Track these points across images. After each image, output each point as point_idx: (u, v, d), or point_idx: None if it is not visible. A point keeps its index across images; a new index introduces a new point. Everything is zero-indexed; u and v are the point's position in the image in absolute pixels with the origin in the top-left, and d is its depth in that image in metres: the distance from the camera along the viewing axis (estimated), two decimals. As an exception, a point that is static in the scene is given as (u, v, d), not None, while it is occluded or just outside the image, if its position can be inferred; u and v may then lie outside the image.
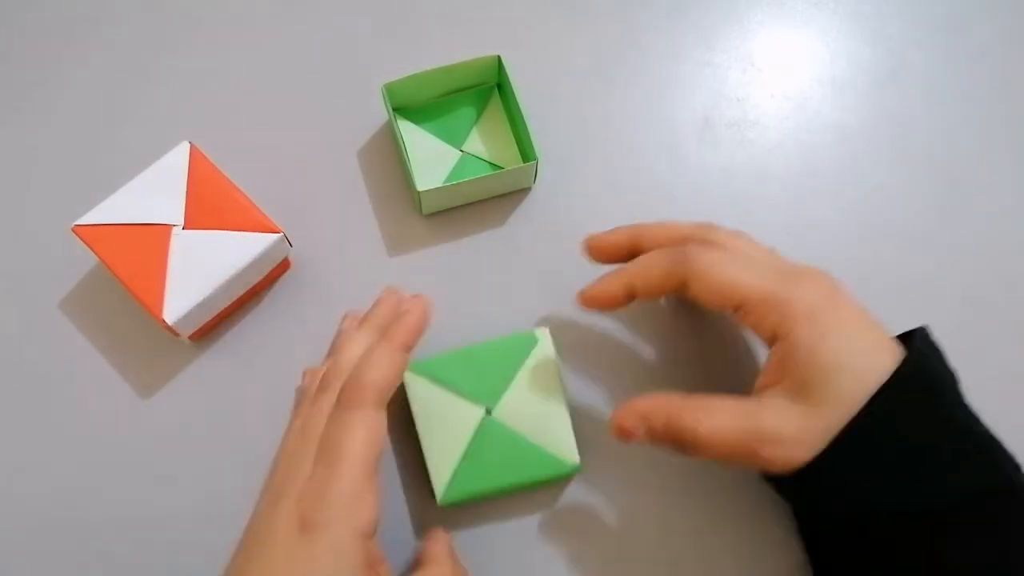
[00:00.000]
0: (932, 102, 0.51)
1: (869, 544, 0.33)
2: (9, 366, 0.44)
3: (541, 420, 0.39)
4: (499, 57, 0.47)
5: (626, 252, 0.40)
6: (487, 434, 0.39)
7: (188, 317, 0.41)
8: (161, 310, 0.40)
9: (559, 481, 0.41)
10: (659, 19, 0.53)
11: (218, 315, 0.43)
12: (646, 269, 0.37)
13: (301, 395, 0.40)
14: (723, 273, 0.34)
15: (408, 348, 0.36)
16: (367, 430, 0.33)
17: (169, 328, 0.40)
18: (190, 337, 0.43)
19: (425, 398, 0.40)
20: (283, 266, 0.45)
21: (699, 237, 0.38)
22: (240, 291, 0.43)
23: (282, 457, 0.35)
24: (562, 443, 0.39)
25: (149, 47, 0.52)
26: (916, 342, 0.33)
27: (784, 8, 0.54)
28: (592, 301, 0.39)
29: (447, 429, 0.39)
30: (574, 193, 0.48)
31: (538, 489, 0.41)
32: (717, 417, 0.33)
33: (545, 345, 0.41)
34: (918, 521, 0.32)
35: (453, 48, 0.48)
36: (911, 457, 0.31)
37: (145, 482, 0.42)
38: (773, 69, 0.52)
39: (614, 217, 0.48)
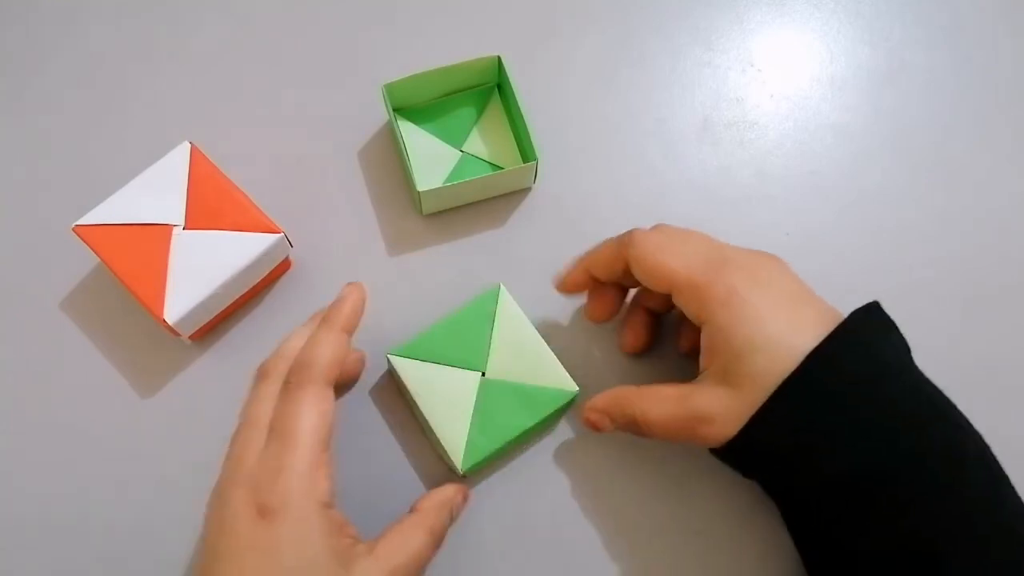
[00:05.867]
0: (932, 102, 0.51)
1: (815, 512, 0.35)
2: (9, 366, 0.44)
3: (530, 363, 0.41)
4: (499, 57, 0.47)
5: (589, 282, 0.42)
6: (488, 394, 0.40)
7: (188, 317, 0.41)
8: (162, 310, 0.40)
9: (562, 413, 0.42)
10: (659, 19, 0.53)
11: (218, 315, 0.43)
12: (597, 252, 0.40)
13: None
14: (656, 258, 0.37)
15: (348, 331, 0.38)
16: (317, 407, 0.34)
17: (169, 328, 0.40)
18: (190, 337, 0.43)
19: (419, 377, 0.41)
20: (283, 266, 0.45)
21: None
22: (240, 291, 0.43)
23: (229, 447, 0.36)
24: (556, 376, 0.41)
25: (149, 46, 0.52)
26: (850, 320, 0.35)
27: (784, 8, 0.54)
28: (564, 287, 0.42)
29: (450, 401, 0.40)
30: (574, 193, 0.48)
31: (544, 433, 0.43)
32: (660, 406, 0.37)
33: (507, 297, 0.42)
34: (842, 489, 0.33)
35: (453, 48, 0.48)
36: (830, 429, 0.33)
37: (145, 482, 0.42)
38: (773, 69, 0.52)
39: (614, 217, 0.48)
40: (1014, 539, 0.32)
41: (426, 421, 0.40)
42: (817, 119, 0.51)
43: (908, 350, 0.36)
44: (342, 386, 0.42)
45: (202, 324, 0.42)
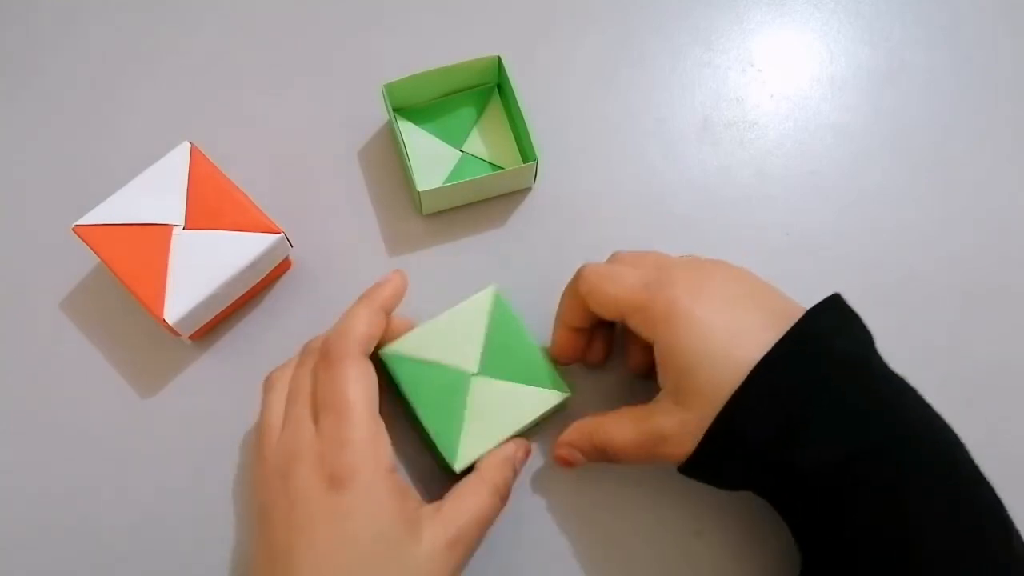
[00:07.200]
0: (932, 102, 0.51)
1: (801, 508, 0.35)
2: (9, 366, 0.44)
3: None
4: (499, 57, 0.47)
5: (576, 336, 0.41)
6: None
7: (188, 317, 0.41)
8: (162, 310, 0.40)
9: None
10: (659, 19, 0.53)
11: (218, 315, 0.43)
12: (564, 304, 0.41)
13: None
14: (604, 289, 0.37)
15: (386, 310, 0.39)
16: (361, 378, 0.36)
17: (170, 328, 0.40)
18: (190, 337, 0.43)
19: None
20: (283, 266, 0.45)
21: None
22: (240, 291, 0.43)
23: (271, 426, 0.36)
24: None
25: (149, 46, 0.52)
26: (798, 325, 0.34)
27: (784, 8, 0.54)
28: (555, 353, 0.42)
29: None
30: (574, 193, 0.48)
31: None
32: (622, 430, 0.37)
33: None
34: (802, 491, 0.33)
35: (453, 48, 0.48)
36: (786, 432, 0.33)
37: (145, 482, 0.42)
38: (773, 69, 0.52)
39: (614, 217, 0.48)
40: (971, 494, 0.33)
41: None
42: (817, 119, 0.51)
43: (870, 342, 0.35)
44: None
45: (202, 324, 0.42)
